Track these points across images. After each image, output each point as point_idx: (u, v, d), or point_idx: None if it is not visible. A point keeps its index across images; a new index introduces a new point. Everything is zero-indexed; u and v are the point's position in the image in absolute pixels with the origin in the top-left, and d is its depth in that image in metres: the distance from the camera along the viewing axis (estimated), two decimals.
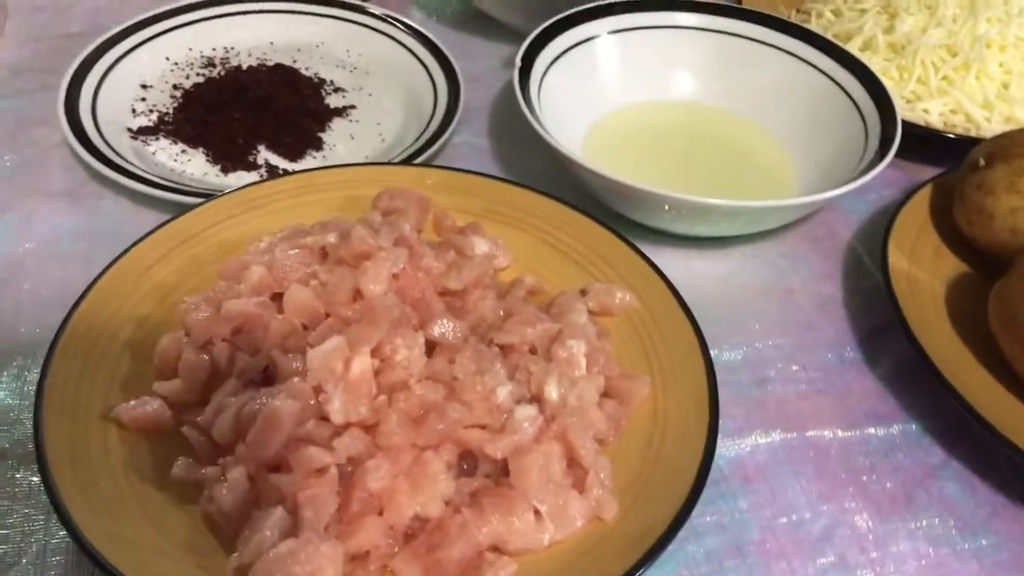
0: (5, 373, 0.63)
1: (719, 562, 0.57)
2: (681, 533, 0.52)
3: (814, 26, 0.95)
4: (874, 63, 0.88)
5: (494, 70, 0.96)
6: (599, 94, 0.87)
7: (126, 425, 0.56)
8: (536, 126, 0.75)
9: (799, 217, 0.78)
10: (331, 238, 0.64)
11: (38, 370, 0.57)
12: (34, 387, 0.56)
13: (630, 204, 0.74)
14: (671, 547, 0.51)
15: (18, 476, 0.57)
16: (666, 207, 0.71)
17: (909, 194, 0.77)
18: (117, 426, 0.56)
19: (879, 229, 0.78)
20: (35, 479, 0.57)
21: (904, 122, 0.79)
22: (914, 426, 0.66)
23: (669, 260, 0.70)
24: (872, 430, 0.65)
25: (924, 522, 0.60)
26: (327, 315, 0.59)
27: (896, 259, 0.71)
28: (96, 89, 0.84)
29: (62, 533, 0.54)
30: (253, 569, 0.48)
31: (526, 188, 0.73)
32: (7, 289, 0.69)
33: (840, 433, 0.65)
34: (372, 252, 0.61)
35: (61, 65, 0.85)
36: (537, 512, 0.53)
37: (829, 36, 0.89)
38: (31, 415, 0.56)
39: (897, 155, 0.75)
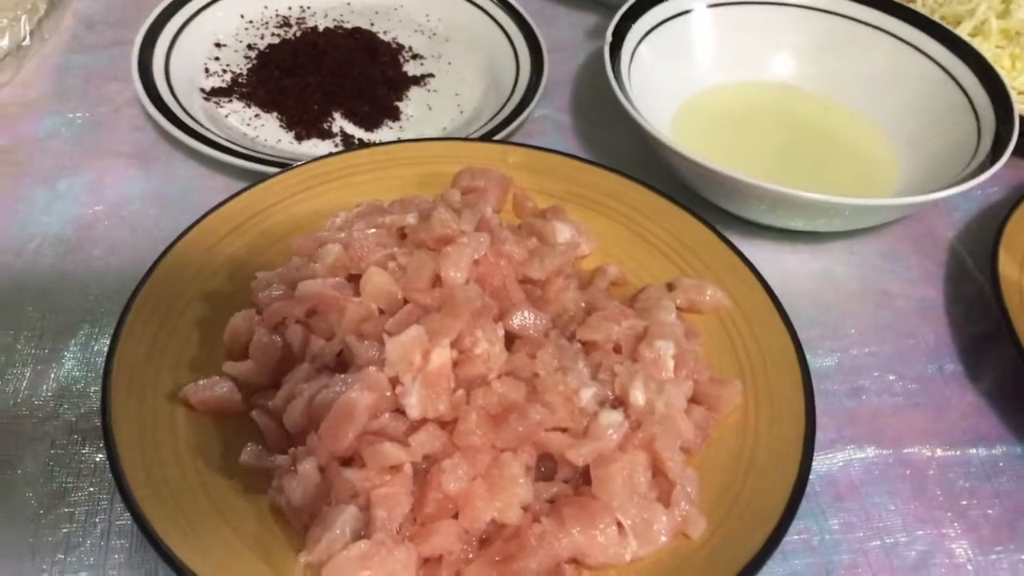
0: (72, 342, 0.62)
1: None
2: None
3: (920, 7, 0.89)
4: (984, 50, 0.82)
5: (578, 40, 0.92)
6: (691, 72, 0.82)
7: (194, 407, 0.54)
8: (626, 104, 0.71)
9: (902, 216, 0.73)
10: (410, 219, 0.61)
11: (106, 340, 0.56)
12: (101, 358, 0.54)
13: (721, 193, 0.70)
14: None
15: (84, 452, 0.56)
16: (761, 199, 0.67)
17: (1022, 196, 0.72)
18: (185, 407, 0.54)
19: (984, 231, 0.74)
20: (100, 456, 0.56)
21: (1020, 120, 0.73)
22: (1020, 448, 0.61)
23: (758, 253, 0.66)
24: (973, 450, 0.61)
25: None
26: (405, 301, 0.56)
27: (1007, 266, 0.67)
28: (170, 46, 0.81)
29: (127, 514, 0.52)
30: (324, 570, 0.46)
31: (611, 171, 0.70)
32: (77, 254, 0.68)
33: (939, 452, 0.61)
34: (454, 236, 0.58)
35: (135, 19, 0.83)
36: (620, 525, 0.50)
37: (936, 19, 0.83)
38: (98, 388, 0.55)
39: None
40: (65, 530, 0.52)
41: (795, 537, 0.56)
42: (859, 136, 0.80)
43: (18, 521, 0.53)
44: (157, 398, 0.54)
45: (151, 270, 0.59)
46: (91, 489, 0.54)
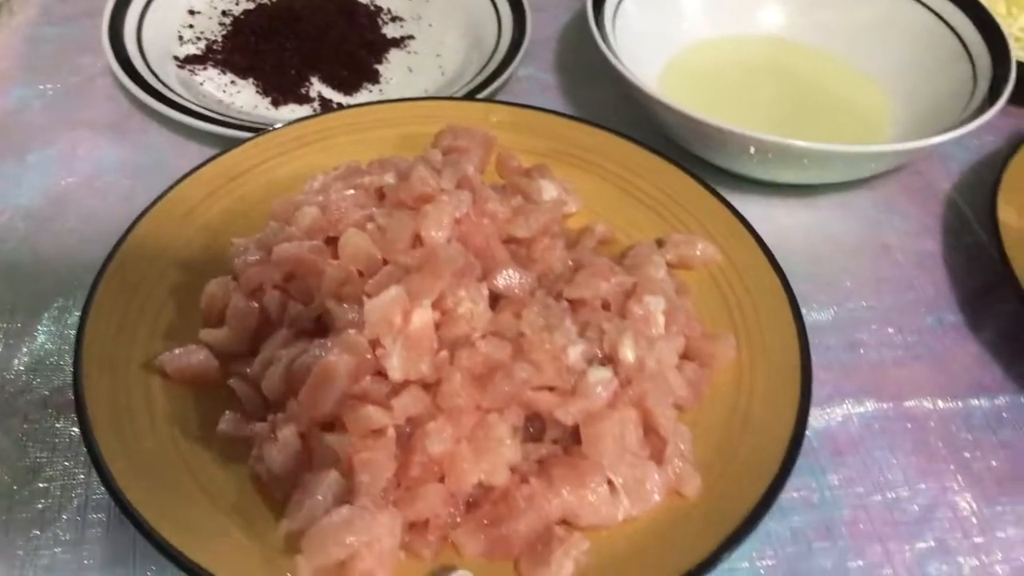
0: (45, 315, 0.60)
1: (807, 543, 0.52)
2: None
3: None
4: None
5: None
6: (679, 26, 0.80)
7: (170, 376, 0.52)
8: (611, 57, 0.69)
9: (897, 165, 0.71)
10: (389, 178, 0.59)
11: (79, 312, 0.54)
12: (74, 332, 0.52)
13: (711, 146, 0.68)
14: None
15: (58, 426, 0.54)
16: (752, 150, 0.65)
17: (1020, 142, 0.70)
18: (160, 377, 0.52)
19: (981, 180, 0.72)
20: (75, 430, 0.54)
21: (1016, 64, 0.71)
22: (1023, 398, 0.60)
23: (749, 208, 0.64)
24: (976, 401, 0.59)
25: None
26: (385, 262, 0.55)
27: (1006, 214, 0.65)
28: (142, 14, 0.79)
29: (103, 488, 0.51)
30: (305, 537, 0.45)
31: (597, 127, 0.68)
32: (49, 225, 0.66)
33: (940, 404, 0.59)
34: (433, 195, 0.56)
35: None
36: (611, 484, 0.48)
37: None
38: (72, 361, 0.53)
39: None
40: (40, 506, 0.51)
41: (794, 494, 0.54)
42: (852, 88, 0.78)
43: None
44: (131, 368, 0.52)
45: (123, 238, 0.57)
46: (66, 463, 0.53)
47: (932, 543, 0.52)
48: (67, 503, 0.51)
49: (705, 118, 0.63)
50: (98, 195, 0.68)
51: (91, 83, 0.77)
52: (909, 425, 0.58)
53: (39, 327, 0.59)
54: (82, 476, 0.52)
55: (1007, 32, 0.74)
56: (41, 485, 0.52)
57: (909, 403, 0.59)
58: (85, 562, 0.49)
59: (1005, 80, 0.69)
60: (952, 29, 0.75)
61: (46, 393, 0.56)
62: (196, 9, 0.83)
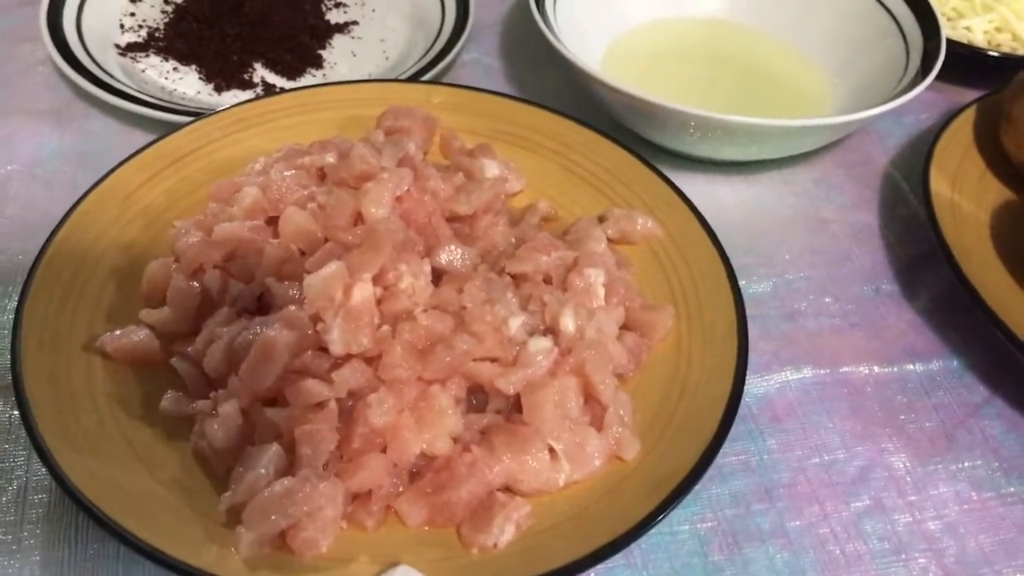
0: None
1: (746, 505, 0.53)
2: (706, 474, 0.48)
3: None
4: None
5: None
6: (619, 9, 0.81)
7: (111, 356, 0.52)
8: (551, 39, 0.69)
9: (834, 139, 0.72)
10: (330, 158, 0.59)
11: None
12: (13, 316, 0.52)
13: (652, 124, 0.69)
14: (695, 488, 0.47)
15: None
16: (692, 126, 0.66)
17: (951, 117, 0.72)
18: (102, 357, 0.52)
19: (917, 155, 0.74)
20: (16, 413, 0.53)
21: (946, 41, 0.73)
22: (955, 362, 0.61)
23: (692, 186, 0.65)
24: (910, 366, 0.61)
25: (966, 464, 0.56)
26: (325, 240, 0.55)
27: (938, 185, 0.66)
28: (80, 4, 0.79)
29: (44, 470, 0.50)
30: (247, 509, 0.45)
31: (540, 107, 0.68)
32: None
33: (876, 369, 0.60)
34: (373, 173, 0.57)
35: None
36: (552, 450, 0.49)
37: None
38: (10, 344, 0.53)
39: (936, 77, 0.70)
40: None
41: (733, 459, 0.55)
42: (791, 67, 0.80)
43: None
44: (72, 349, 0.52)
45: (63, 220, 0.57)
46: (6, 446, 0.53)
47: (868, 502, 0.54)
48: (7, 485, 0.51)
49: (646, 95, 0.64)
50: (39, 183, 0.68)
51: (30, 71, 0.77)
52: (846, 390, 0.59)
53: None
54: (23, 458, 0.52)
55: (938, 11, 0.75)
56: None
57: (846, 369, 0.60)
58: (25, 543, 0.49)
59: (936, 55, 0.70)
60: (885, 7, 0.76)
61: None
62: None
